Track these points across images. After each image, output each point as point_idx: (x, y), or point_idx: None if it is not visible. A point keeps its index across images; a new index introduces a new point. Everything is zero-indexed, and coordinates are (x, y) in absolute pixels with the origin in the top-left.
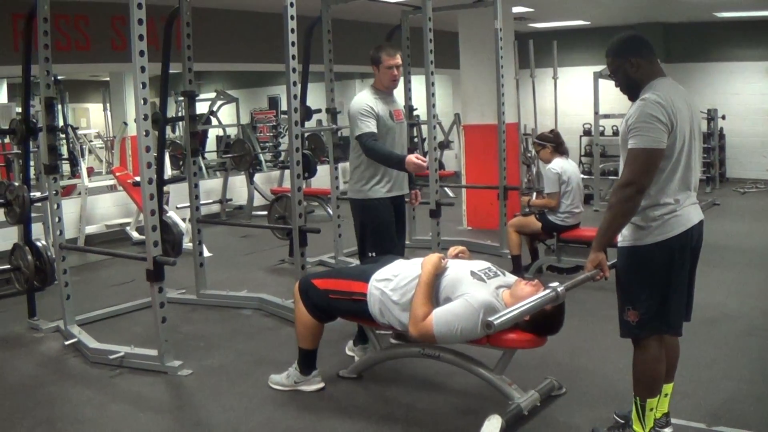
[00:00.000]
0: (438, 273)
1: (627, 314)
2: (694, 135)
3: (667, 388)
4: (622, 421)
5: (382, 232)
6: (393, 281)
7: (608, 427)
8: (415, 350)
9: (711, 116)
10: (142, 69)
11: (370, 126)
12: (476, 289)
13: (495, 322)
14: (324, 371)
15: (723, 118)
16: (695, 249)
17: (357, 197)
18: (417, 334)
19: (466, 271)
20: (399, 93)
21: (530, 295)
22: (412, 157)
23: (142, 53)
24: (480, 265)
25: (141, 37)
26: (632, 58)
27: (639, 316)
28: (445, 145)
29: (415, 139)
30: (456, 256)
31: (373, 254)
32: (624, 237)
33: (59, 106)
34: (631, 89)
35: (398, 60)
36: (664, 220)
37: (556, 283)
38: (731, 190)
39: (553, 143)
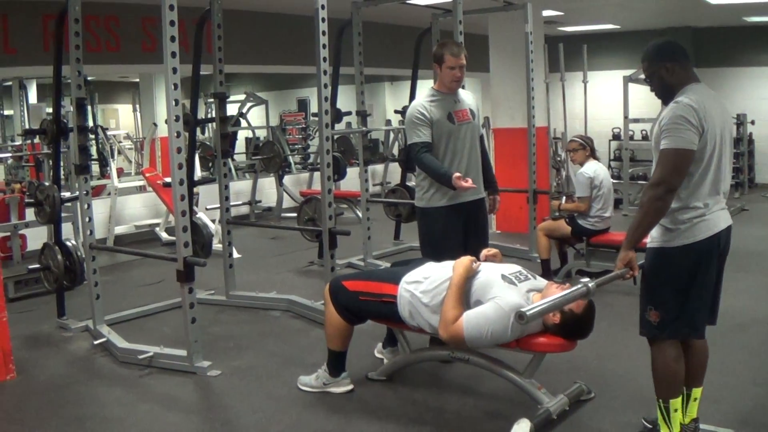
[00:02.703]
0: (469, 276)
1: (649, 314)
2: (725, 140)
3: (696, 392)
4: (650, 426)
5: (434, 242)
6: (423, 283)
7: None
8: (444, 353)
9: (740, 121)
10: (174, 70)
11: (422, 135)
12: (507, 292)
13: (528, 313)
14: (353, 373)
15: (752, 123)
16: (722, 254)
17: (418, 205)
18: (447, 336)
19: (497, 275)
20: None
21: None
22: (457, 179)
23: (174, 55)
24: (511, 268)
25: (173, 39)
26: (668, 64)
27: (660, 316)
28: (486, 150)
29: None
30: (488, 259)
31: None
32: (652, 238)
33: (89, 107)
34: (666, 94)
35: (462, 60)
36: (692, 224)
37: (587, 279)
38: (760, 195)
39: (591, 147)
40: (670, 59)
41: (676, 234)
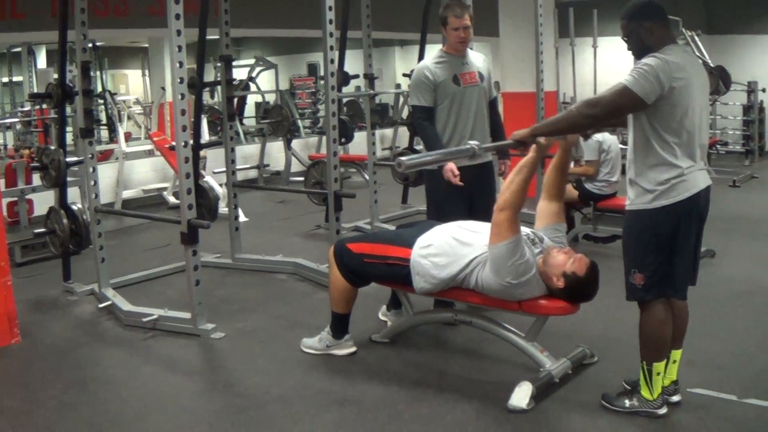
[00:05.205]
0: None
1: (633, 277)
2: (703, 102)
3: (676, 354)
4: (629, 387)
5: (439, 204)
6: (434, 247)
7: (617, 393)
8: (448, 316)
9: (751, 89)
10: (178, 32)
11: (422, 99)
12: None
13: (405, 161)
14: (356, 336)
15: (763, 90)
16: (702, 214)
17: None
18: (501, 215)
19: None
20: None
21: (562, 263)
22: (449, 170)
23: (178, 16)
24: (523, 230)
25: (177, 1)
26: (646, 23)
27: (645, 279)
28: (498, 113)
29: None
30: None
31: None
32: (631, 200)
33: (97, 72)
34: (643, 53)
35: (466, 21)
36: (671, 184)
37: (474, 141)
38: None
39: None
40: (650, 18)
41: (654, 195)
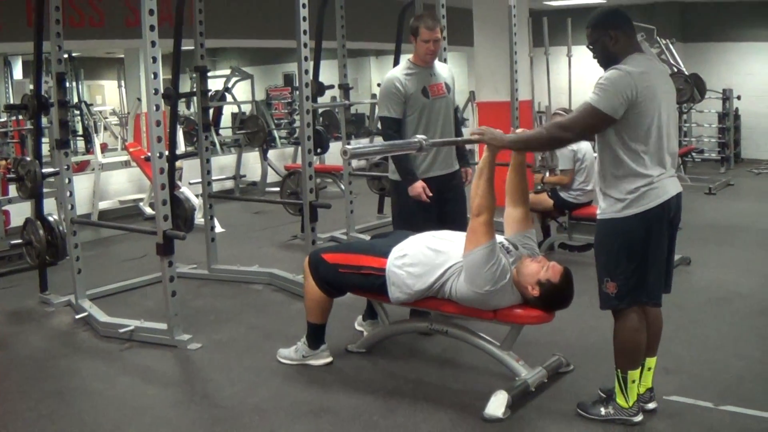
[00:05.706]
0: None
1: (606, 286)
2: (670, 111)
3: (650, 362)
4: (605, 395)
5: (406, 215)
6: (407, 257)
7: (593, 401)
8: (423, 326)
9: (726, 96)
10: (153, 43)
11: (392, 111)
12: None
13: (351, 149)
14: (332, 346)
15: (738, 98)
16: (673, 221)
17: (391, 178)
18: (476, 223)
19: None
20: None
21: (536, 271)
22: (419, 187)
23: (152, 27)
24: (498, 237)
25: (152, 12)
26: (612, 32)
27: (617, 287)
28: (460, 122)
29: None
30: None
31: None
32: (602, 210)
33: (73, 83)
34: (608, 62)
35: (437, 34)
36: (640, 193)
37: (421, 135)
38: (745, 171)
39: None
40: (615, 27)
41: (625, 204)
